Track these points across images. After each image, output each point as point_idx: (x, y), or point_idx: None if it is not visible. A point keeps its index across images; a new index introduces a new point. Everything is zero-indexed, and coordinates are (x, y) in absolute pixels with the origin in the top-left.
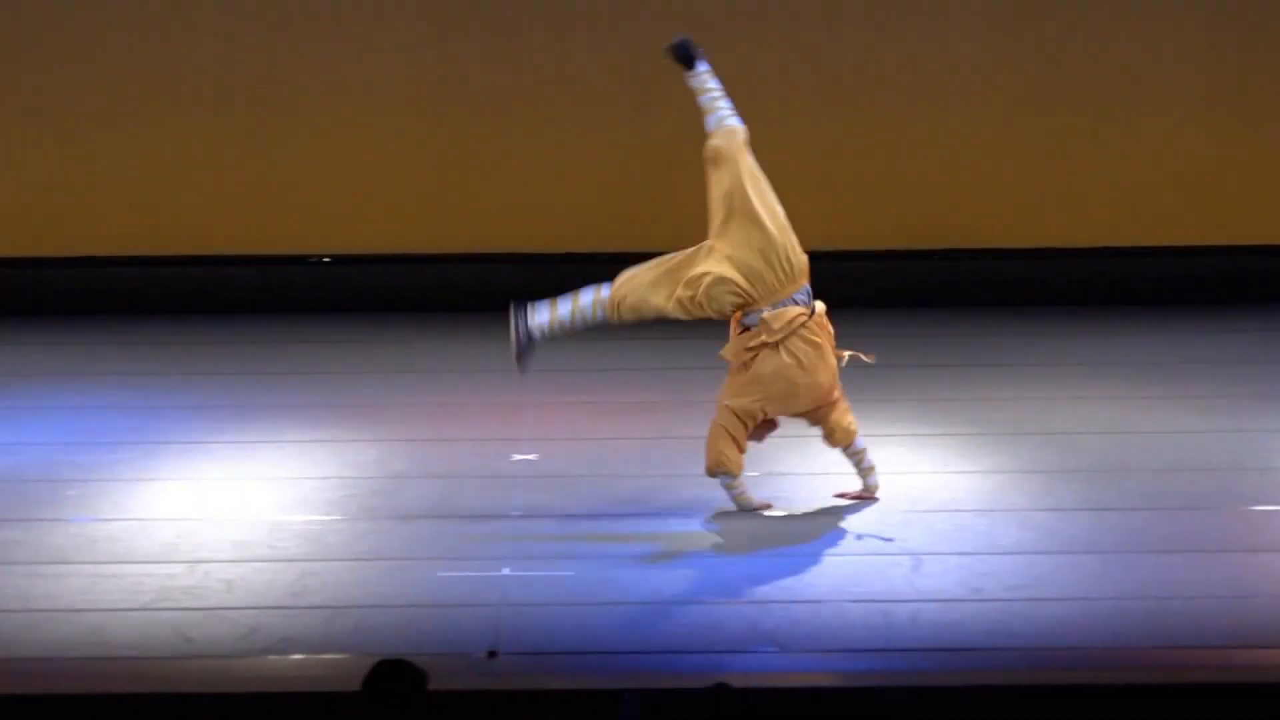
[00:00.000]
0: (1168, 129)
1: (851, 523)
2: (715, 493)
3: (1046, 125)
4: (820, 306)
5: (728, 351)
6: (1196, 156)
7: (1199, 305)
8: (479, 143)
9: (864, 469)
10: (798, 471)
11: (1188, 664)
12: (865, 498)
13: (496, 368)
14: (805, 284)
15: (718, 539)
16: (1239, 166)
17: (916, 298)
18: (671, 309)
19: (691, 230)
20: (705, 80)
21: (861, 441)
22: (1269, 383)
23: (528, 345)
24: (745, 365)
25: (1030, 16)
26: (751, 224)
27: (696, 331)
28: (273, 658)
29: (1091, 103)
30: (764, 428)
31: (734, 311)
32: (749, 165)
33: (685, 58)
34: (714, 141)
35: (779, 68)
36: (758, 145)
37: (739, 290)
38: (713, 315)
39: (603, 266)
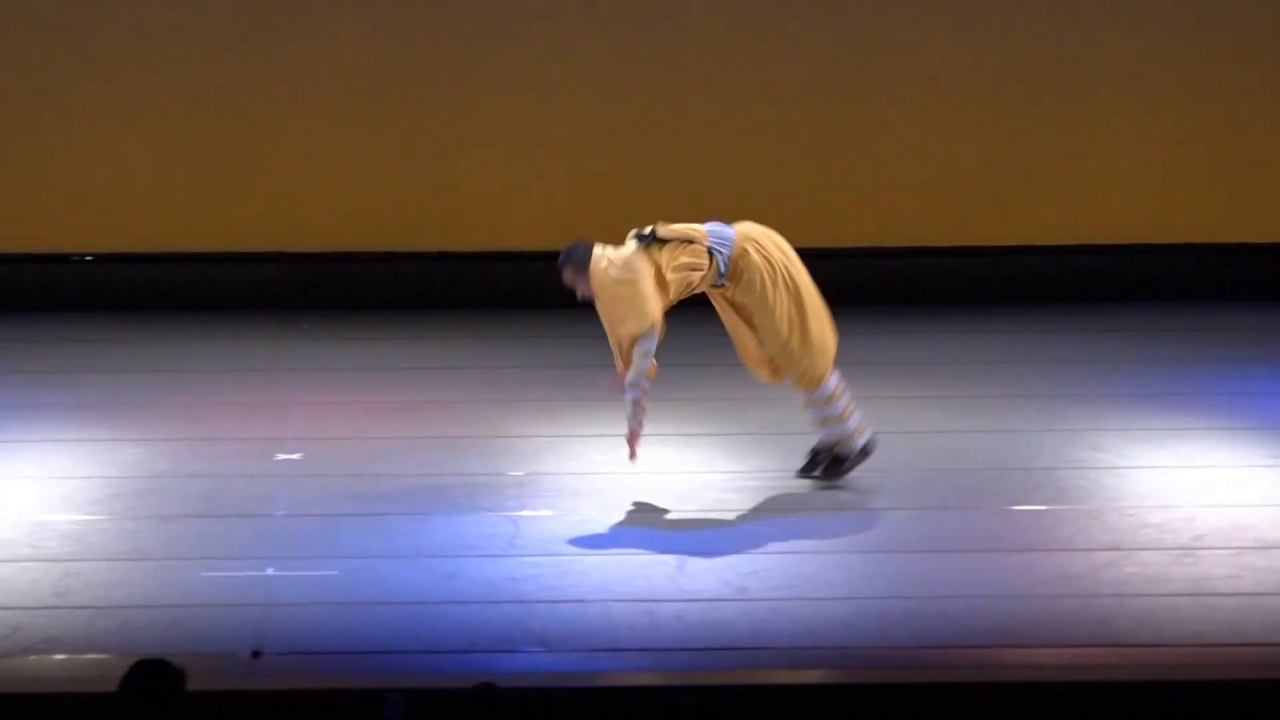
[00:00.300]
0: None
1: (617, 523)
2: (480, 493)
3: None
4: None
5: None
6: (937, 157)
7: (959, 306)
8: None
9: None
10: (559, 471)
11: (952, 663)
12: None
13: (263, 367)
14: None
15: (483, 539)
16: (979, 166)
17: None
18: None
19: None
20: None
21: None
22: (1031, 383)
23: None
24: None
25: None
26: None
27: (473, 331)
28: (34, 658)
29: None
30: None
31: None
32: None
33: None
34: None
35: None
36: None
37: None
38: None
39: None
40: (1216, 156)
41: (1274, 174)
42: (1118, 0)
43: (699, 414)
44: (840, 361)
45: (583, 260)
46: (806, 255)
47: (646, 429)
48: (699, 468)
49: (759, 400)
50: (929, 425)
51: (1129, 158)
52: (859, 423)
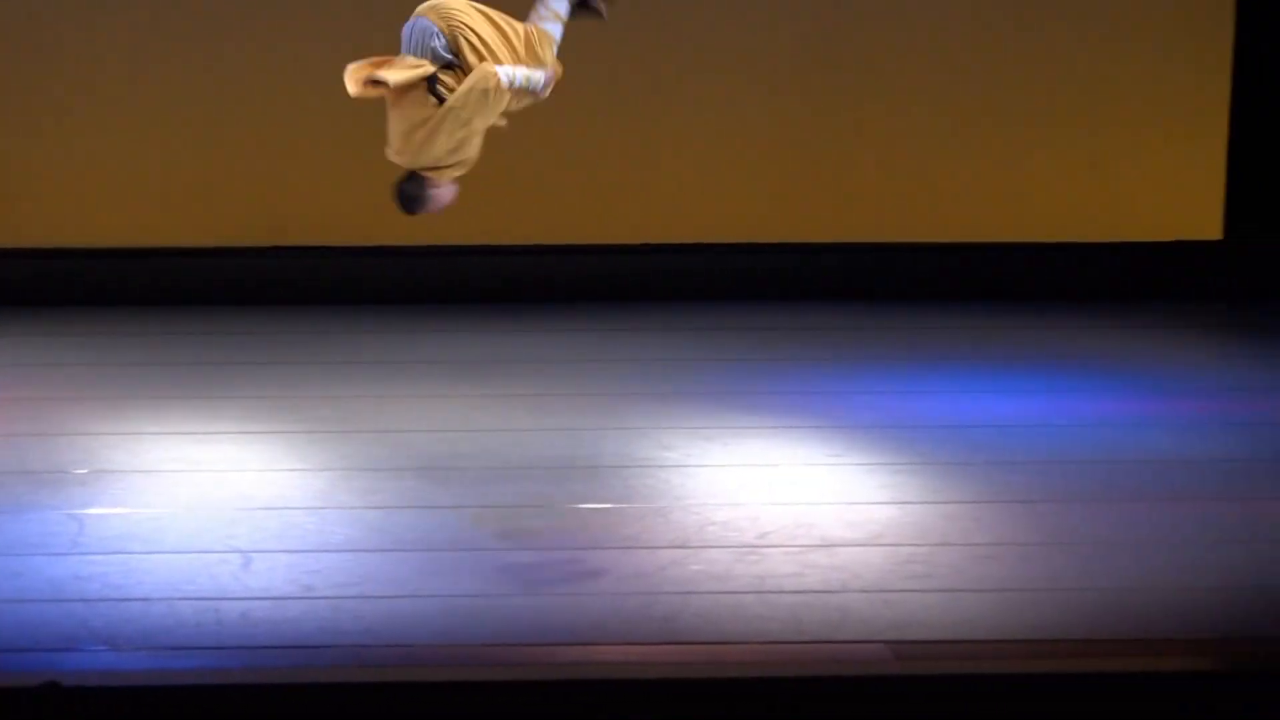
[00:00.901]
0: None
1: (183, 520)
2: (43, 490)
3: None
4: None
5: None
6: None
7: (525, 304)
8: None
9: None
10: (126, 469)
11: (518, 661)
12: None
13: None
14: None
15: (48, 537)
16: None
17: (244, 294)
18: None
19: None
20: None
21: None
22: (598, 382)
23: None
24: None
25: None
26: None
27: (42, 330)
28: None
29: None
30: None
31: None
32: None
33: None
34: None
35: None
36: None
37: None
38: None
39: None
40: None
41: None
42: None
43: (260, 412)
44: (380, 361)
45: None
46: None
47: (205, 428)
48: (262, 465)
49: (327, 398)
50: (493, 424)
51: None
52: None
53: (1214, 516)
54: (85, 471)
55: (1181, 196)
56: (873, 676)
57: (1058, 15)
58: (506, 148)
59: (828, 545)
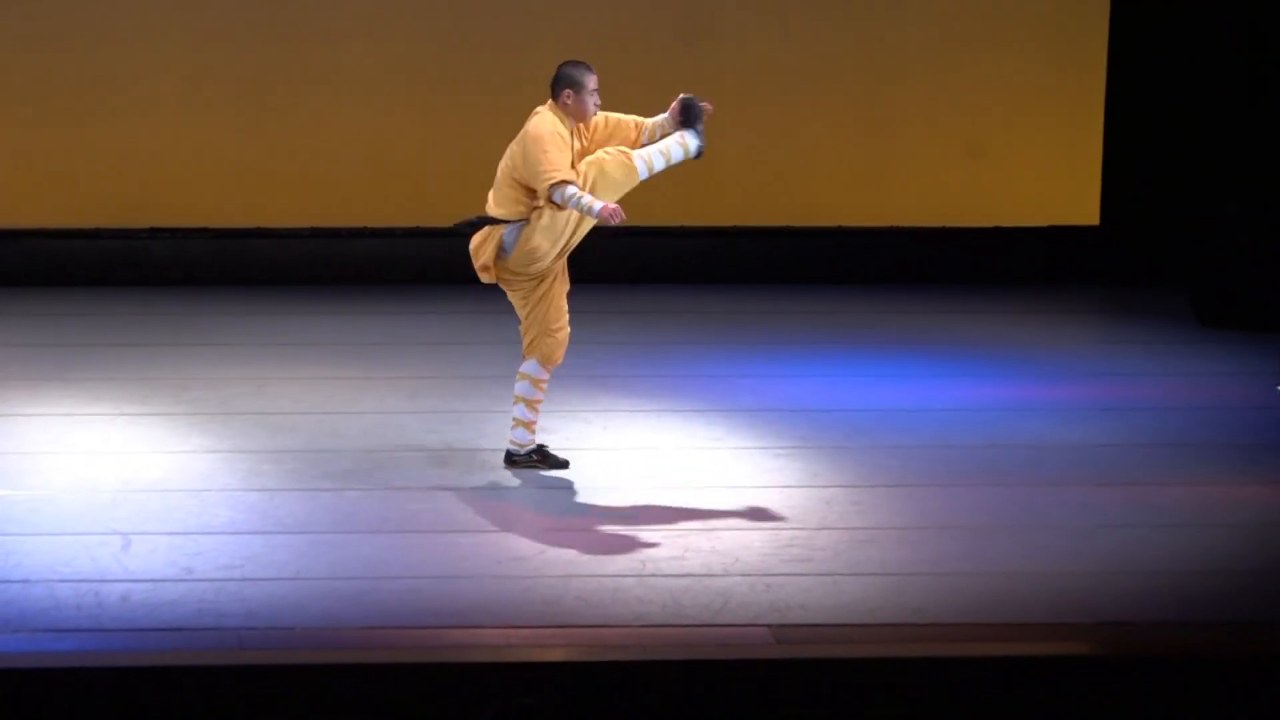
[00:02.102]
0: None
1: (62, 502)
2: None
3: None
4: None
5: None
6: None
7: (404, 287)
8: None
9: None
10: (1, 451)
11: (400, 644)
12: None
13: None
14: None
15: None
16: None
17: (121, 276)
18: None
19: None
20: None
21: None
22: (477, 365)
23: None
24: None
25: None
26: None
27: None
28: None
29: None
30: None
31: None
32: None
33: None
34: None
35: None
36: None
37: None
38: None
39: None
40: None
41: None
42: None
43: (140, 394)
44: (260, 344)
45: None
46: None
47: (83, 410)
48: (144, 448)
49: (207, 380)
50: (374, 407)
51: None
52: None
53: (1093, 501)
54: None
55: (1059, 183)
56: (753, 660)
57: (936, 2)
58: (386, 133)
59: (708, 529)
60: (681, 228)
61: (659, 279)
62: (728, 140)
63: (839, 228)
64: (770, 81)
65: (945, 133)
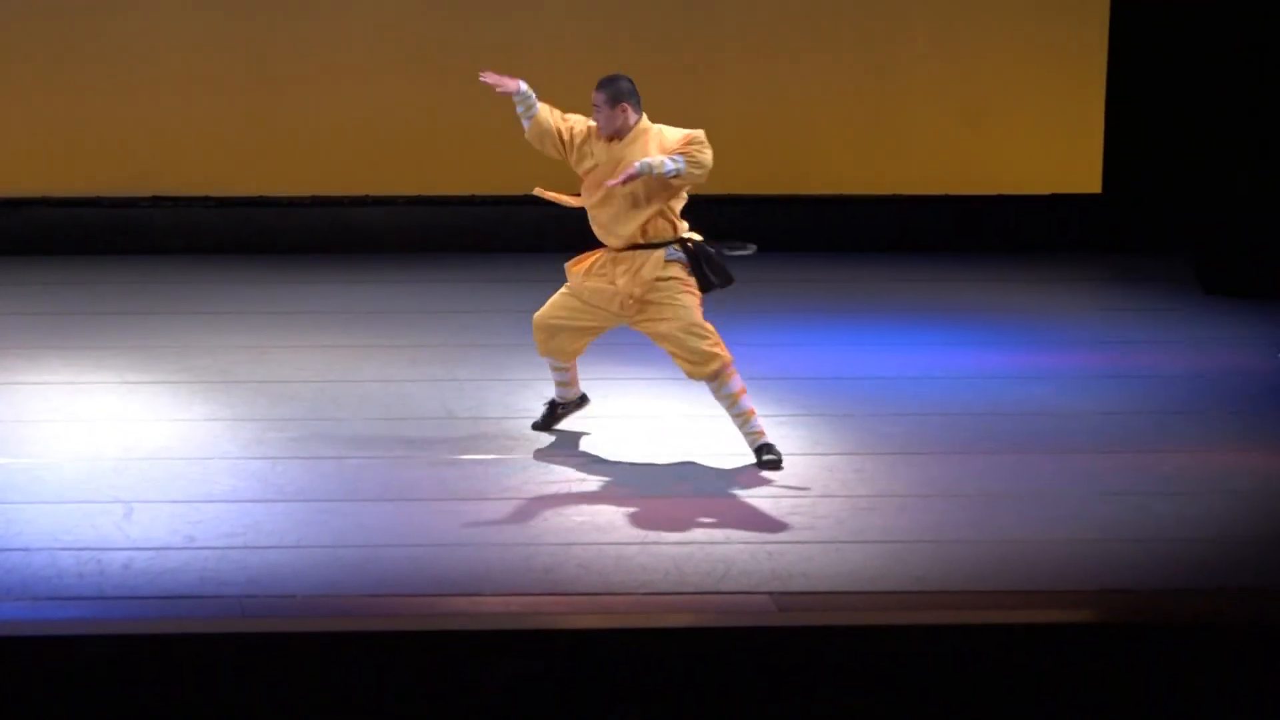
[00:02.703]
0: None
1: (63, 470)
2: None
3: None
4: None
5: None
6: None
7: (406, 255)
8: None
9: None
10: (3, 419)
11: (402, 612)
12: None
13: None
14: None
15: None
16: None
17: (124, 244)
18: None
19: None
20: None
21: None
22: (479, 333)
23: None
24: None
25: None
26: None
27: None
28: None
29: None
30: None
31: None
32: None
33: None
34: None
35: None
36: None
37: None
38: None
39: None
40: None
41: None
42: None
43: (141, 361)
44: (262, 312)
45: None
46: None
47: (86, 378)
48: (146, 416)
49: (210, 349)
50: (376, 375)
51: None
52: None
53: (1095, 468)
54: None
55: (1061, 150)
56: (755, 628)
57: None
58: (388, 101)
59: (710, 496)
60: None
61: None
62: (728, 109)
63: (840, 196)
64: (771, 49)
65: (947, 101)
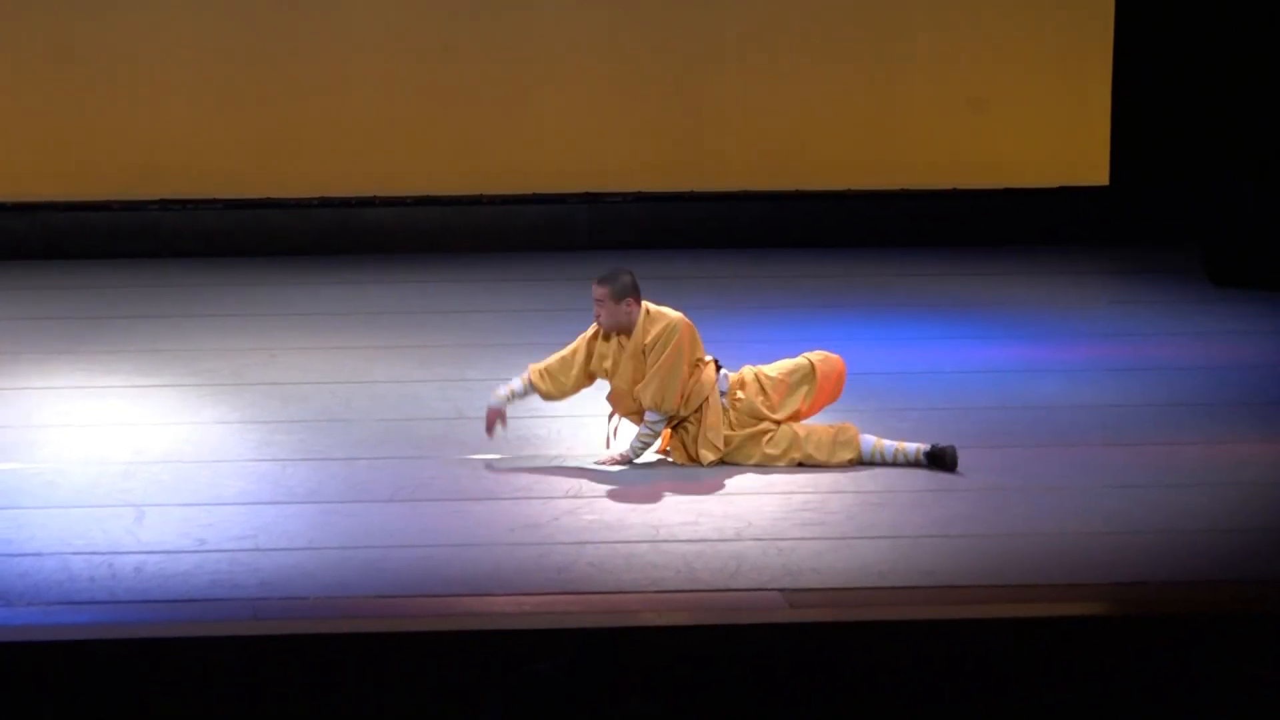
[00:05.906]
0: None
1: (73, 475)
2: None
3: None
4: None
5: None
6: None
7: (414, 256)
8: None
9: None
10: (15, 425)
11: (413, 613)
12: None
13: None
14: None
15: None
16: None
17: (134, 248)
18: None
19: None
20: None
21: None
22: (487, 333)
23: None
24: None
25: None
26: None
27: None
28: None
29: None
30: None
31: None
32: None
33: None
34: None
35: None
36: None
37: None
38: None
39: None
40: None
41: None
42: None
43: (152, 365)
44: (272, 314)
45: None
46: None
47: (96, 382)
48: (155, 419)
49: (219, 351)
50: (385, 376)
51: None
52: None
53: (1103, 461)
54: None
55: (1068, 143)
56: (766, 624)
57: None
58: (395, 102)
59: (721, 494)
60: (687, 192)
61: (664, 244)
62: (731, 103)
63: (846, 191)
64: (775, 43)
65: (953, 94)
